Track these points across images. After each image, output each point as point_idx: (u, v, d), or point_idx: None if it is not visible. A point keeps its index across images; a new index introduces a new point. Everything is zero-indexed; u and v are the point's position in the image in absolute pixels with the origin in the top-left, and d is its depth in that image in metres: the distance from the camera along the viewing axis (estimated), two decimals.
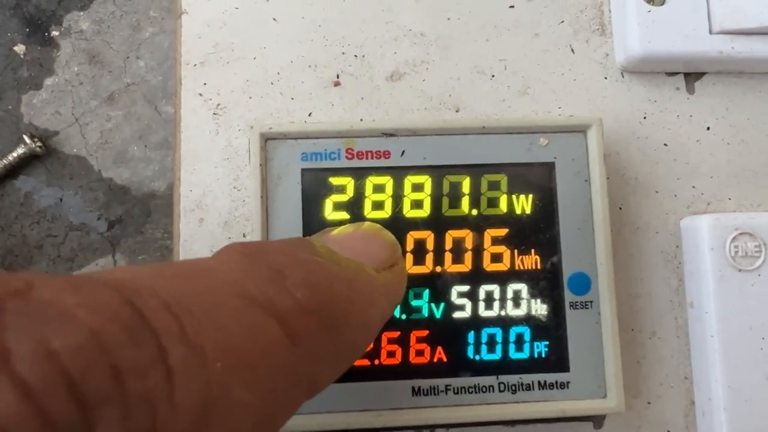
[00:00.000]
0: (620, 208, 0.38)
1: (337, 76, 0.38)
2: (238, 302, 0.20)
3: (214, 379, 0.17)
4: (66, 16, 1.14)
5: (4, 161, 1.08)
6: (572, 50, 0.39)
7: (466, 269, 0.34)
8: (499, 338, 0.34)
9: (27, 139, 1.07)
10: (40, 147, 1.09)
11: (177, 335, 0.17)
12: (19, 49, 1.12)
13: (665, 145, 0.38)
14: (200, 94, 0.37)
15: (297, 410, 0.21)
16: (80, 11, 1.13)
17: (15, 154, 1.08)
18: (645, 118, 0.39)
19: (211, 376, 0.17)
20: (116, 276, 0.18)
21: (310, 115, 0.37)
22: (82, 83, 1.11)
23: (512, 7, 0.39)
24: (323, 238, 0.29)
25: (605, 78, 0.39)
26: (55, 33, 1.15)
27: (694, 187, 0.38)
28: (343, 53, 0.38)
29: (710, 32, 0.38)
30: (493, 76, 0.39)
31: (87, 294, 0.16)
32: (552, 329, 0.34)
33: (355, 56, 0.38)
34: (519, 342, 0.34)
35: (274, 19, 0.38)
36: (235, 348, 0.19)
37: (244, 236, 0.36)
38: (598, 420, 0.35)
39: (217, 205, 0.36)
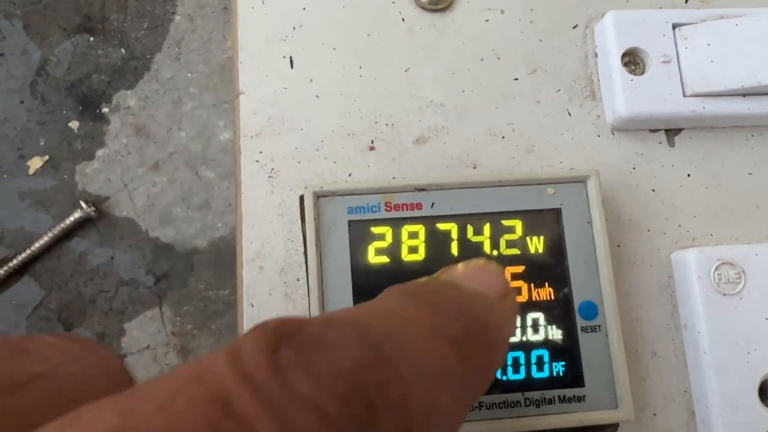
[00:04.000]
0: (618, 246, 0.41)
1: (372, 142, 0.42)
2: (427, 334, 0.22)
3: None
4: (115, 95, 1.21)
5: (62, 225, 1.12)
6: (569, 113, 0.44)
7: None
8: (522, 360, 0.37)
9: (83, 204, 1.12)
10: (93, 211, 1.14)
11: (392, 364, 0.19)
12: (74, 125, 1.18)
13: (653, 190, 0.43)
14: (257, 161, 0.42)
15: None
16: (127, 90, 1.20)
17: (72, 218, 1.12)
18: (634, 168, 0.43)
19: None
20: (346, 315, 0.21)
21: (350, 175, 0.42)
22: (130, 153, 1.16)
23: (516, 79, 0.44)
24: (448, 274, 0.31)
25: (598, 136, 0.43)
26: (105, 110, 1.21)
27: (680, 225, 0.42)
28: (375, 122, 0.43)
29: (684, 95, 0.42)
30: (503, 137, 0.43)
31: (339, 331, 0.19)
32: (567, 351, 0.37)
33: (386, 125, 0.43)
34: (540, 363, 0.37)
35: (317, 96, 0.43)
36: (427, 370, 0.21)
37: (297, 280, 0.40)
38: (611, 431, 0.38)
39: (274, 254, 0.40)
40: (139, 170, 1.17)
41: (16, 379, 0.20)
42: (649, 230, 0.42)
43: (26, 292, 1.12)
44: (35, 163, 1.23)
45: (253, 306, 0.39)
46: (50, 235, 1.15)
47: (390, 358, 0.19)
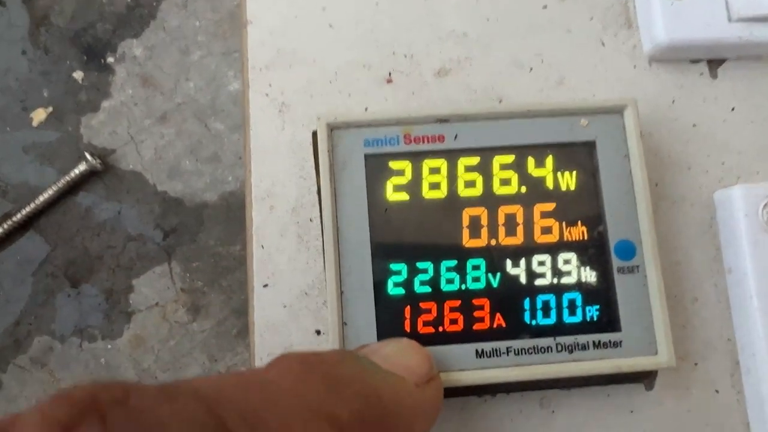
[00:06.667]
0: (656, 185, 0.39)
1: (389, 75, 0.40)
2: (305, 414, 0.20)
3: None
4: (120, 44, 1.17)
5: (67, 178, 1.10)
6: (602, 43, 0.41)
7: (519, 242, 0.35)
8: (553, 304, 0.34)
9: (88, 156, 1.10)
10: (99, 163, 1.12)
11: None
12: (78, 75, 1.15)
13: (694, 125, 0.40)
14: (266, 95, 0.39)
15: None
16: (133, 38, 1.16)
17: (77, 171, 1.10)
18: (673, 102, 0.40)
19: None
20: (197, 385, 0.18)
21: (366, 109, 0.39)
22: (137, 104, 1.14)
23: (545, 7, 0.41)
24: (364, 351, 0.30)
25: (634, 67, 0.40)
26: (110, 59, 1.18)
27: (723, 162, 0.39)
28: (393, 53, 0.40)
29: (729, 20, 0.39)
30: (531, 69, 0.40)
31: (178, 404, 0.17)
32: (602, 293, 0.34)
33: (405, 56, 0.40)
34: (572, 306, 0.34)
35: (330, 26, 0.40)
36: None
37: (310, 221, 0.37)
38: (649, 381, 0.36)
39: (285, 193, 0.38)
40: (146, 122, 1.14)
41: None
42: (689, 168, 0.39)
43: (31, 248, 1.11)
44: (39, 115, 1.20)
45: (263, 248, 0.37)
46: (55, 188, 1.13)
47: None
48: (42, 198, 1.14)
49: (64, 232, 1.12)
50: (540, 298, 0.34)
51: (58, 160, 1.17)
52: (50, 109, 1.19)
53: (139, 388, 0.17)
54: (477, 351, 0.33)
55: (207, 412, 0.17)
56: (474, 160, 0.35)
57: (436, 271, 0.34)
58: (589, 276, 0.35)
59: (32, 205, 1.12)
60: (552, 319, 0.34)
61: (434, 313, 0.34)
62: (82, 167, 1.13)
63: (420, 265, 0.34)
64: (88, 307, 1.11)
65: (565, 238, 0.35)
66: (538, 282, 0.34)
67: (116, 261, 1.10)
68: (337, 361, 0.25)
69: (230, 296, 1.08)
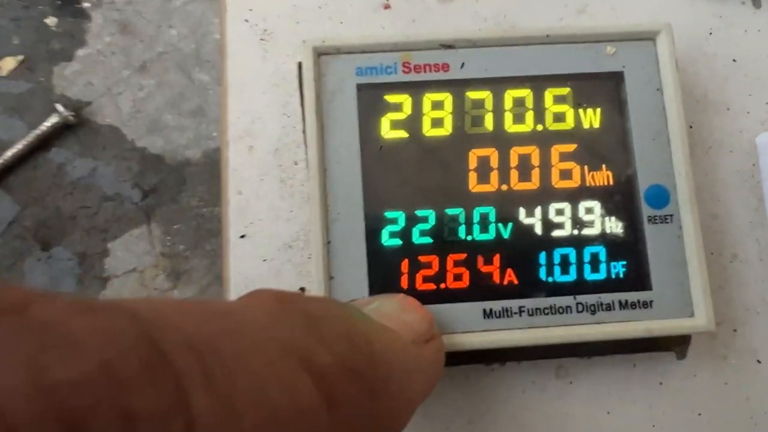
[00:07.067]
0: (691, 127, 0.34)
1: None
2: (273, 349, 0.16)
3: None
4: None
5: (37, 132, 1.04)
6: None
7: (534, 187, 0.30)
8: (572, 259, 0.30)
9: (60, 108, 1.04)
10: (72, 116, 1.05)
11: (202, 380, 0.14)
12: (51, 21, 1.08)
13: (734, 61, 0.35)
14: (246, 20, 0.34)
15: None
16: None
17: (48, 124, 1.04)
18: (711, 33, 0.35)
19: None
20: (134, 305, 0.14)
21: None
22: (114, 53, 1.07)
23: None
24: (357, 303, 0.26)
25: None
26: (86, 4, 1.11)
27: (767, 103, 0.34)
28: None
29: None
30: None
31: (99, 318, 0.13)
32: (630, 246, 0.30)
33: None
34: (594, 262, 0.30)
35: None
36: (268, 404, 0.15)
37: (295, 164, 0.33)
38: (681, 349, 0.32)
39: (266, 132, 0.33)
40: (124, 72, 1.07)
41: None
42: (728, 108, 0.34)
43: None
44: (8, 63, 1.12)
45: (240, 194, 0.32)
46: (25, 143, 1.06)
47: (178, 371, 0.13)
48: (10, 153, 1.06)
49: (34, 191, 1.05)
50: (558, 252, 0.30)
51: (28, 112, 1.09)
52: (20, 57, 1.11)
53: (46, 296, 0.13)
54: (485, 311, 0.29)
55: (136, 333, 0.13)
56: (483, 93, 0.31)
57: (439, 219, 0.30)
58: (615, 227, 0.30)
59: (0, 161, 1.07)
60: (572, 276, 0.30)
61: (435, 267, 0.29)
62: (54, 120, 1.06)
63: (419, 212, 0.30)
64: (59, 271, 1.05)
65: (588, 184, 0.31)
66: (556, 233, 0.30)
67: (91, 222, 1.04)
68: (321, 302, 0.20)
69: (214, 261, 1.03)
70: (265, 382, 0.15)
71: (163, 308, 0.15)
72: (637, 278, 0.29)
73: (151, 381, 0.13)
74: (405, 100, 0.31)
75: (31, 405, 0.11)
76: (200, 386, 0.13)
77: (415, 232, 0.30)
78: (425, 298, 0.28)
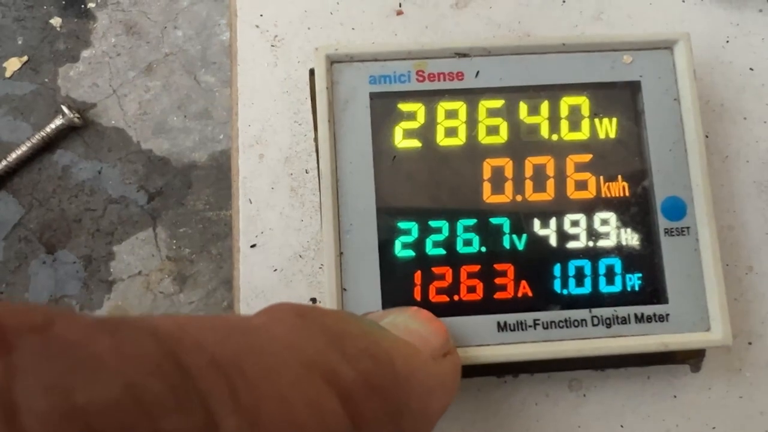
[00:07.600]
0: (707, 136, 0.33)
1: (399, 5, 0.34)
2: (297, 367, 0.16)
3: None
4: None
5: (42, 134, 1.04)
6: None
7: (549, 198, 0.30)
8: (588, 271, 0.29)
9: (65, 110, 1.04)
10: (78, 118, 1.05)
11: (228, 401, 0.13)
12: (56, 21, 1.08)
13: (751, 69, 0.34)
14: (257, 26, 0.34)
15: None
16: None
17: (53, 126, 1.03)
18: (728, 42, 0.35)
19: None
20: (156, 322, 0.14)
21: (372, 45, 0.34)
22: (120, 54, 1.07)
23: None
24: (372, 316, 0.26)
25: (683, 1, 0.35)
26: (91, 5, 1.11)
27: None
28: None
29: None
30: (564, 1, 0.35)
31: (123, 337, 0.13)
32: (646, 259, 0.29)
33: None
34: (610, 274, 0.29)
35: None
36: (296, 425, 0.15)
37: (306, 172, 0.32)
38: (695, 362, 0.31)
39: (277, 139, 0.33)
40: (130, 74, 1.07)
41: None
42: (745, 118, 0.34)
43: (3, 210, 1.04)
44: (13, 64, 1.13)
45: (251, 202, 0.32)
46: (29, 145, 1.06)
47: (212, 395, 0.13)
48: (15, 155, 1.07)
49: (39, 193, 1.05)
50: (573, 264, 0.29)
51: (33, 114, 1.10)
52: (25, 58, 1.11)
53: (69, 316, 0.13)
54: (499, 324, 0.29)
55: (162, 353, 0.13)
56: (497, 103, 0.31)
57: (452, 230, 0.29)
58: (631, 239, 0.30)
59: (4, 163, 1.06)
60: (587, 289, 0.29)
61: (449, 279, 0.29)
62: (59, 122, 1.06)
63: (433, 223, 0.29)
64: (64, 274, 1.05)
65: (603, 195, 0.30)
66: (571, 245, 0.30)
67: (96, 225, 1.03)
68: (340, 317, 0.20)
69: (220, 265, 1.02)
70: (291, 402, 0.15)
71: (186, 325, 0.15)
72: (653, 291, 0.29)
73: (179, 403, 0.12)
74: (418, 109, 0.30)
75: (56, 429, 0.11)
76: (227, 407, 0.13)
77: (429, 243, 0.29)
78: (438, 310, 0.28)
